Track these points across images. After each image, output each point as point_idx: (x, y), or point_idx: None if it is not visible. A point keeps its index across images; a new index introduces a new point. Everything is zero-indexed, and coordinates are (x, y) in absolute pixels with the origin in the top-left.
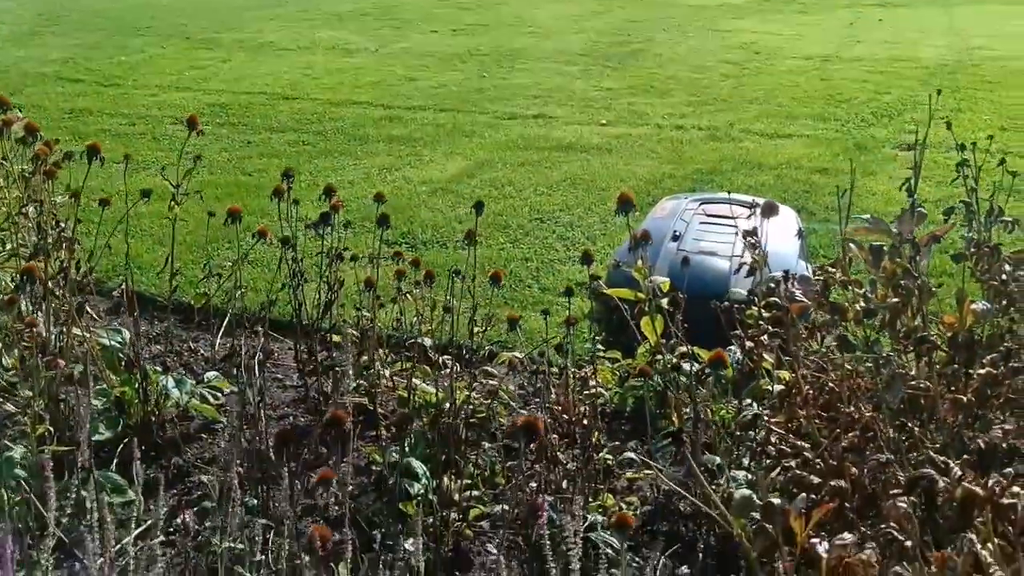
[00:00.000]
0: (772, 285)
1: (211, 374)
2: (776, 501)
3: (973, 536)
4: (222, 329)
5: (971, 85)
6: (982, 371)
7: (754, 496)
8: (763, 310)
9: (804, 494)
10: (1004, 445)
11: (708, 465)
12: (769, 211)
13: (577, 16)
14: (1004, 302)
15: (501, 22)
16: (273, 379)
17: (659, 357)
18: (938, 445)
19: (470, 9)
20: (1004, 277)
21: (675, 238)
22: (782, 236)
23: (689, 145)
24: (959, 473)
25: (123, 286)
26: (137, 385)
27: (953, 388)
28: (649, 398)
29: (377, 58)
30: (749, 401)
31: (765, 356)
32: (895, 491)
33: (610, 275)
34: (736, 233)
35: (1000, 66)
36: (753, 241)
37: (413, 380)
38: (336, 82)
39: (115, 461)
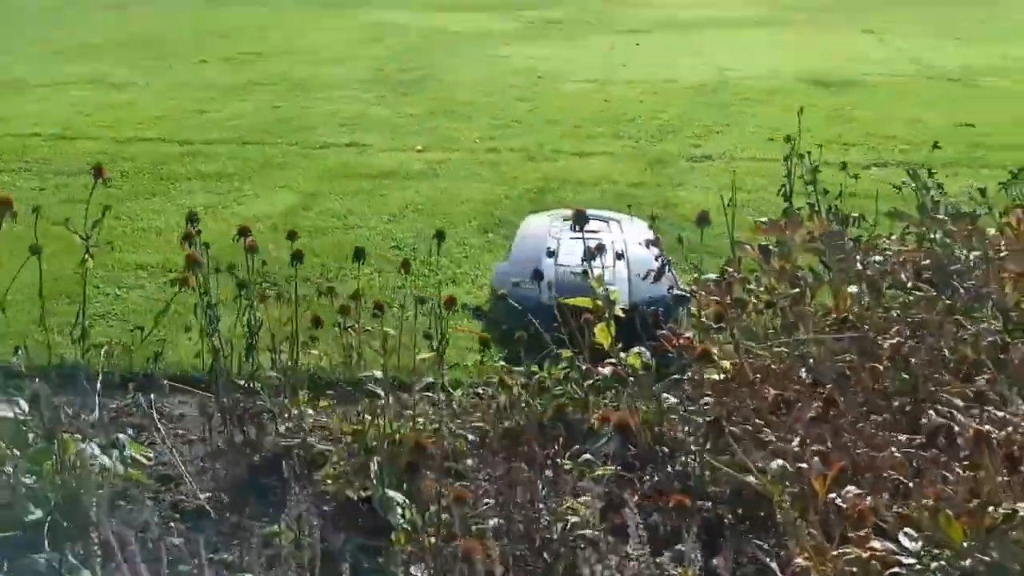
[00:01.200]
0: (708, 284)
1: (123, 437)
2: (802, 466)
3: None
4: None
5: (730, 103)
6: (890, 342)
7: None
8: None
9: (816, 458)
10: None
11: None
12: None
13: (349, 43)
14: (864, 285)
15: (273, 50)
16: (176, 435)
17: (578, 366)
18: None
19: (232, 37)
20: (859, 265)
21: (550, 254)
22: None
23: (508, 166)
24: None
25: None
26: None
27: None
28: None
29: (152, 92)
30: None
31: (711, 348)
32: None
33: (509, 293)
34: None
35: (750, 85)
36: (656, 251)
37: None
38: (115, 119)
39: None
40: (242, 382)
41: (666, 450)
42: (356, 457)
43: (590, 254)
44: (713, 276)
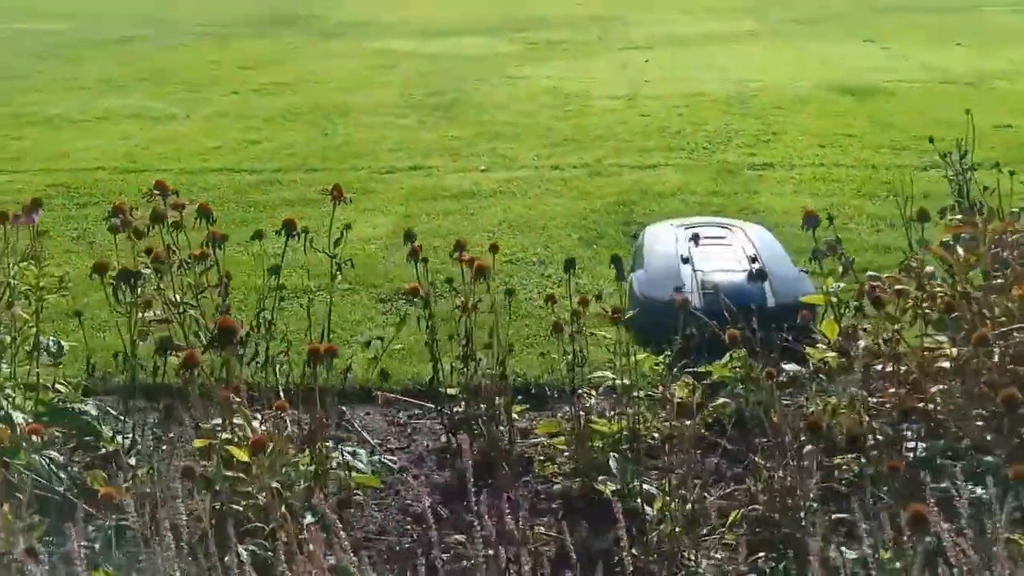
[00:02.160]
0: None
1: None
2: None
3: None
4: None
5: (766, 113)
6: None
7: None
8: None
9: None
10: None
11: None
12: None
13: (365, 70)
14: None
15: (296, 80)
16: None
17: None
18: None
19: (252, 69)
20: None
21: (685, 260)
22: (770, 248)
23: (579, 182)
24: None
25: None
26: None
27: None
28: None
29: (196, 124)
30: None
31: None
32: None
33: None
34: (730, 249)
35: (777, 95)
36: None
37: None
38: (173, 150)
39: None
40: (455, 391)
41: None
42: (580, 455)
43: (821, 253)
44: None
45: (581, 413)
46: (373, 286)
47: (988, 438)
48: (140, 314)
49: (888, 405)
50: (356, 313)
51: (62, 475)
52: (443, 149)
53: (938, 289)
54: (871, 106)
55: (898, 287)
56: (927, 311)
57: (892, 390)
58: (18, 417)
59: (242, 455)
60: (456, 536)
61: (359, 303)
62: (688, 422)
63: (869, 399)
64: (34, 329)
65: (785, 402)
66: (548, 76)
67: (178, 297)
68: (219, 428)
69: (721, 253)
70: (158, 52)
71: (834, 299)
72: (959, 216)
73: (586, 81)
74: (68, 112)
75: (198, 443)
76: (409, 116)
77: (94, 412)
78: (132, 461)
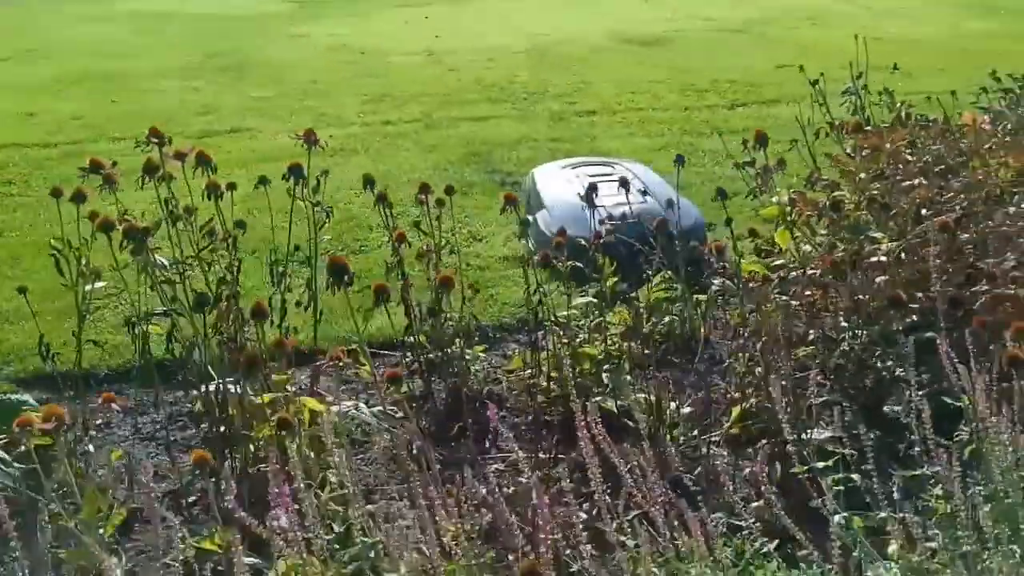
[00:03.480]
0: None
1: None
2: None
3: None
4: None
5: (570, 64)
6: None
7: None
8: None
9: None
10: None
11: None
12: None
13: (134, 34)
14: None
15: (50, 47)
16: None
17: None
18: None
19: None
20: None
21: (582, 198)
22: (654, 180)
23: (419, 135)
24: None
25: None
26: None
27: None
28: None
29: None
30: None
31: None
32: None
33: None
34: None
35: (572, 47)
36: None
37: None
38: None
39: None
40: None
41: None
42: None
43: (768, 172)
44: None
45: (564, 342)
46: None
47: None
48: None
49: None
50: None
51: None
52: (254, 111)
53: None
54: (662, 55)
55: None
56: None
57: (808, 292)
58: None
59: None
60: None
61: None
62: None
63: (792, 302)
64: None
65: (716, 316)
66: (331, 35)
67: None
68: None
69: (614, 188)
70: None
71: (788, 209)
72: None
73: (374, 38)
74: None
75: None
76: (199, 79)
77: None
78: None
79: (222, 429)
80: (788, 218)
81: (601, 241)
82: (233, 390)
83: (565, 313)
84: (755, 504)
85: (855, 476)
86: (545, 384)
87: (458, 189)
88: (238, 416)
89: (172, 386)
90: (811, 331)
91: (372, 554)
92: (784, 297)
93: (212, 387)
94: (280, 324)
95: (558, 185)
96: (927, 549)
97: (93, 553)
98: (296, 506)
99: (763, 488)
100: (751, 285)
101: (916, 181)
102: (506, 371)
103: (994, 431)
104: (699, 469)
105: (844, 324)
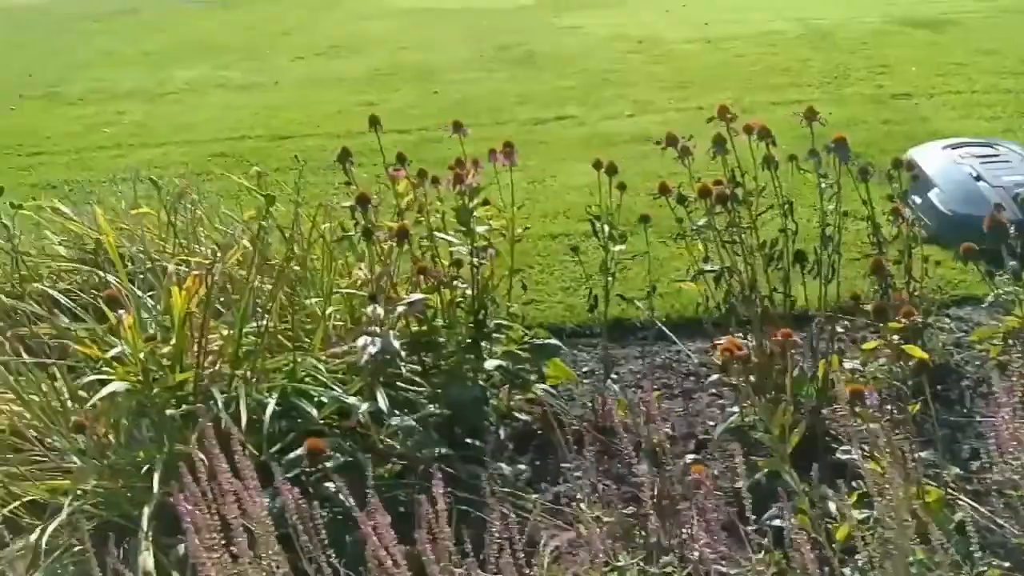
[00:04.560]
0: None
1: None
2: None
3: None
4: None
5: (856, 47)
6: None
7: None
8: None
9: None
10: None
11: None
12: None
13: (407, 30)
14: None
15: (347, 42)
16: None
17: None
18: None
19: (288, 34)
20: None
21: (976, 178)
22: None
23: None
24: None
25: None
26: None
27: None
28: None
29: (290, 90)
30: None
31: None
32: None
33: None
34: (1009, 164)
35: (850, 30)
36: None
37: None
38: (301, 116)
39: None
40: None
41: None
42: None
43: None
44: None
45: None
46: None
47: None
48: None
49: None
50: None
51: None
52: (568, 99)
53: None
54: (953, 36)
55: None
56: None
57: None
58: None
59: None
60: None
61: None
62: None
63: None
64: None
65: None
66: (601, 25)
67: None
68: None
69: (1004, 168)
70: (165, 23)
71: None
72: None
73: (643, 27)
74: (144, 86)
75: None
76: (498, 71)
77: None
78: None
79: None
80: None
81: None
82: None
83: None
84: None
85: None
86: None
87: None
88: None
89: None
90: None
91: None
92: None
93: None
94: None
95: (944, 164)
96: None
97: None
98: None
99: None
100: None
101: None
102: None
103: None
104: None
105: None
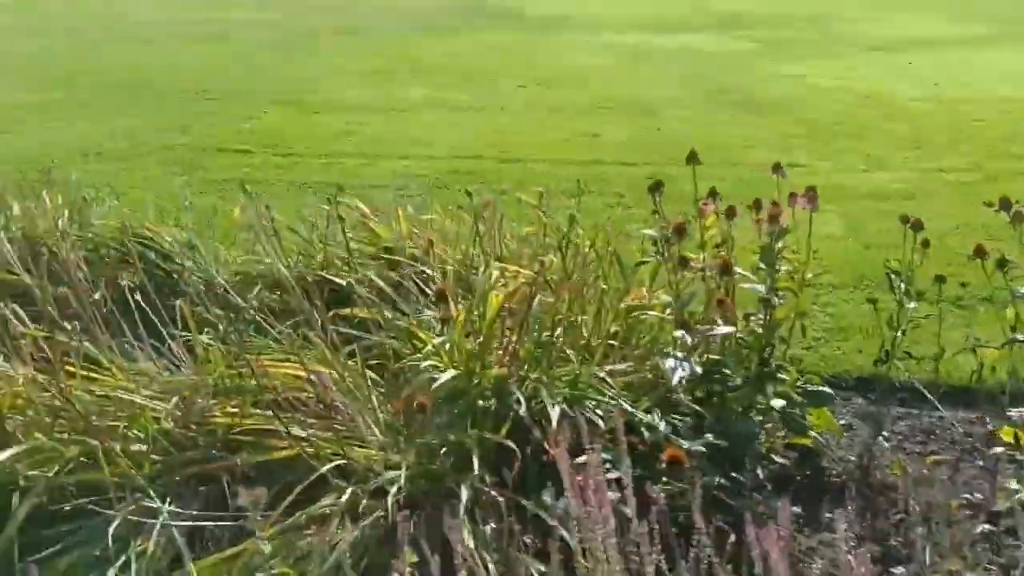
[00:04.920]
0: None
1: None
2: None
3: None
4: None
5: None
6: None
7: None
8: None
9: None
10: None
11: None
12: None
13: (620, 65)
14: None
15: (563, 73)
16: None
17: None
18: None
19: (512, 62)
20: None
21: None
22: None
23: (978, 187)
24: None
25: None
26: None
27: None
28: None
29: (514, 115)
30: None
31: None
32: None
33: None
34: None
35: None
36: None
37: None
38: (528, 141)
39: None
40: None
41: None
42: None
43: None
44: None
45: None
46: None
47: None
48: None
49: None
50: None
51: None
52: (795, 147)
53: None
54: None
55: None
56: None
57: None
58: None
59: None
60: None
61: None
62: None
63: None
64: None
65: None
66: (820, 75)
67: None
68: None
69: None
70: (382, 44)
71: None
72: None
73: (869, 81)
74: (376, 101)
75: None
76: (718, 112)
77: None
78: None
79: None
80: None
81: None
82: None
83: None
84: None
85: None
86: None
87: None
88: None
89: None
90: None
91: None
92: None
93: None
94: None
95: None
96: None
97: None
98: None
99: None
100: None
101: None
102: None
103: None
104: None
105: None
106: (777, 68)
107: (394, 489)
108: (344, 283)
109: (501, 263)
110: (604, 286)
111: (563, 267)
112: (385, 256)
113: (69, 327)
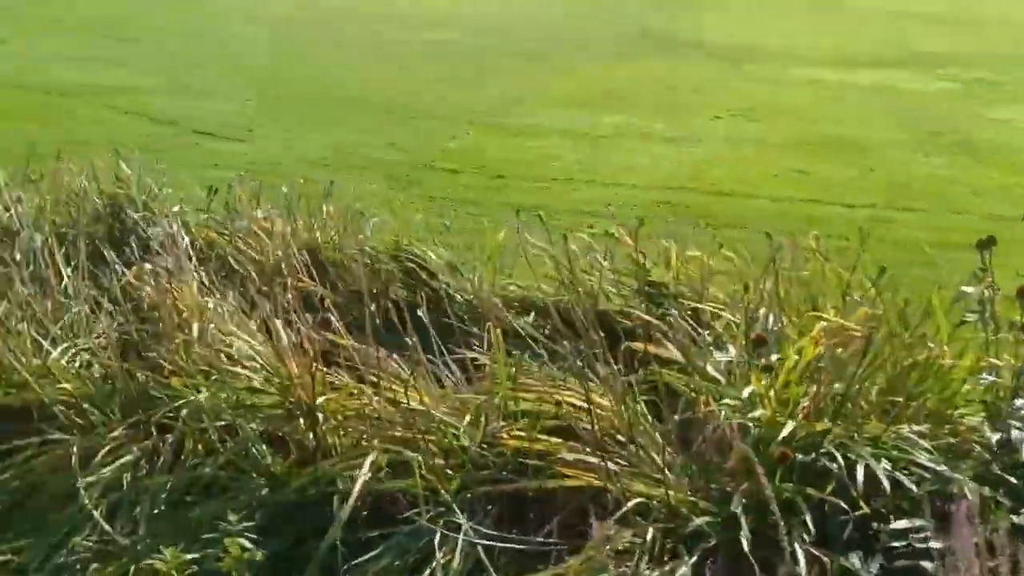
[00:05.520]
0: None
1: None
2: None
3: None
4: None
5: None
6: None
7: None
8: None
9: None
10: None
11: None
12: None
13: (819, 102)
14: None
15: (760, 105)
16: None
17: None
18: None
19: (698, 91)
20: None
21: None
22: None
23: None
24: None
25: None
26: None
27: None
28: None
29: (713, 147)
30: None
31: None
32: None
33: None
34: None
35: None
36: None
37: None
38: (734, 174)
39: None
40: None
41: None
42: None
43: None
44: None
45: None
46: None
47: None
48: None
49: None
50: None
51: None
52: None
53: None
54: None
55: None
56: None
57: None
58: None
59: None
60: None
61: None
62: None
63: None
64: None
65: None
66: None
67: None
68: None
69: None
70: (571, 70)
71: None
72: None
73: None
74: (574, 126)
75: None
76: (933, 155)
77: None
78: None
79: None
80: None
81: None
82: None
83: None
84: None
85: None
86: None
87: None
88: None
89: None
90: None
91: None
92: None
93: None
94: None
95: None
96: None
97: None
98: None
99: None
100: None
101: None
102: None
103: None
104: None
105: None
106: (988, 111)
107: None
108: (619, 314)
109: (782, 307)
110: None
111: (875, 317)
112: (651, 290)
113: (369, 338)
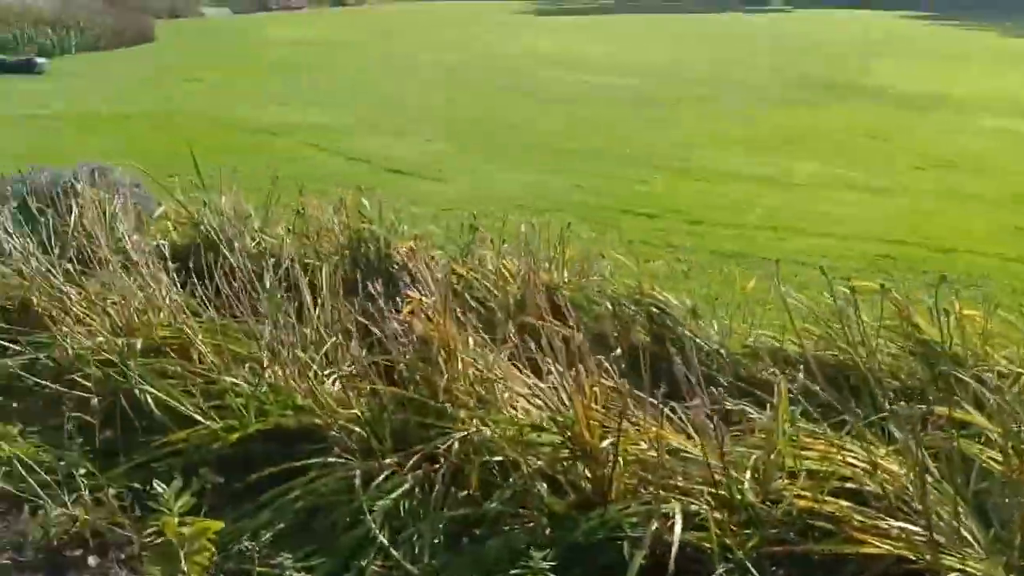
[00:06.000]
0: None
1: None
2: None
3: None
4: None
5: None
6: None
7: None
8: None
9: None
10: None
11: None
12: None
13: (1001, 153)
14: None
15: (958, 159)
16: None
17: None
18: None
19: (882, 139)
20: None
21: None
22: None
23: None
24: None
25: None
26: None
27: None
28: None
29: (916, 198)
30: None
31: None
32: None
33: None
34: None
35: None
36: None
37: None
38: (954, 229)
39: None
40: None
41: None
42: None
43: None
44: None
45: None
46: None
47: None
48: None
49: None
50: None
51: None
52: None
53: None
54: None
55: None
56: None
57: None
58: None
59: None
60: None
61: None
62: None
63: None
64: None
65: None
66: None
67: None
68: None
69: None
70: (750, 113)
71: None
72: None
73: None
74: (759, 171)
75: None
76: None
77: None
78: None
79: None
80: None
81: None
82: None
83: None
84: None
85: None
86: None
87: None
88: None
89: None
90: None
91: None
92: None
93: None
94: None
95: None
96: None
97: None
98: None
99: None
100: None
101: None
102: None
103: None
104: None
105: None
106: None
107: None
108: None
109: None
110: None
111: None
112: (920, 351)
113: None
